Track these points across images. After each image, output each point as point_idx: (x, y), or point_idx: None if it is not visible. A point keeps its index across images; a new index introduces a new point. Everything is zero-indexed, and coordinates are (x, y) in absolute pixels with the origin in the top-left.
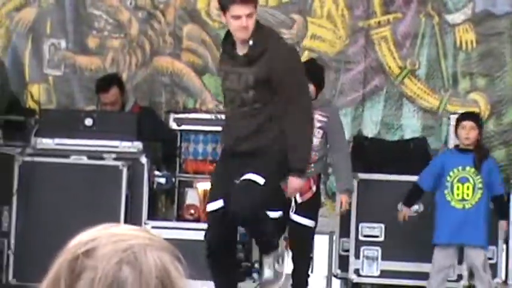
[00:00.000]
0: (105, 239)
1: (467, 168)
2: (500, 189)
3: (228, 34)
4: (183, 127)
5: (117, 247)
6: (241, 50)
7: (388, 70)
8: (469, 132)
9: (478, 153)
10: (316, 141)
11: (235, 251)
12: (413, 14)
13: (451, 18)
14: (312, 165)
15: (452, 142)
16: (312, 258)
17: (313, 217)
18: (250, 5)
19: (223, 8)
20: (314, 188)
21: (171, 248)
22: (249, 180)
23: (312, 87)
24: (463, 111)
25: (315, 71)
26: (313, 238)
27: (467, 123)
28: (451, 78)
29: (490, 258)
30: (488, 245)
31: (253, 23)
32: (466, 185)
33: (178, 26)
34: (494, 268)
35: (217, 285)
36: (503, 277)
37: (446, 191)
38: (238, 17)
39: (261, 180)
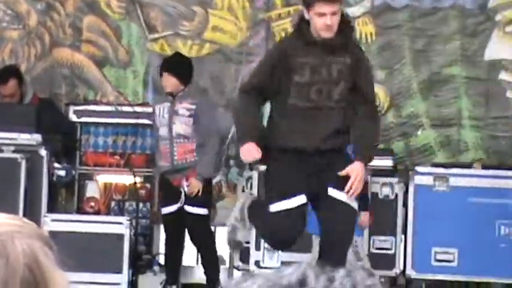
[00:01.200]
0: None
1: None
2: None
3: (299, 31)
4: (83, 119)
5: None
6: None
7: None
8: None
9: None
10: (188, 129)
11: None
12: None
13: (350, 11)
14: (193, 154)
15: None
16: (211, 244)
17: (205, 205)
18: (336, 3)
19: (307, 4)
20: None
21: (42, 235)
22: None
23: (174, 80)
24: None
25: (180, 63)
26: (209, 225)
27: None
28: None
29: (388, 249)
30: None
31: (338, 21)
32: None
33: (78, 17)
34: (392, 259)
35: None
36: (402, 267)
37: None
38: (323, 15)
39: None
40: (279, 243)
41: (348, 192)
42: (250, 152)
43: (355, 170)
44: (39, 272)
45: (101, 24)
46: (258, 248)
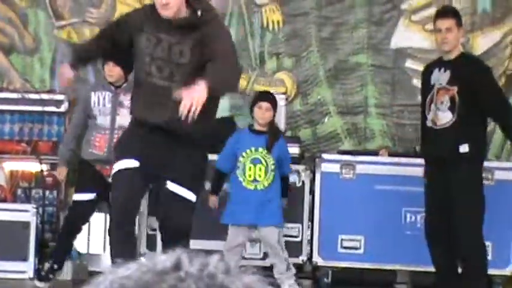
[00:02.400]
0: None
1: (260, 149)
2: (288, 168)
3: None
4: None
5: None
6: None
7: None
8: (264, 112)
9: (271, 134)
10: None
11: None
12: None
13: None
14: None
15: None
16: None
17: None
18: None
19: None
20: None
21: None
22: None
23: (118, 70)
24: (260, 91)
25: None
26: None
27: (264, 104)
28: (258, 58)
29: (294, 236)
30: (282, 222)
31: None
32: (258, 166)
33: None
34: (299, 246)
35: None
36: (308, 255)
37: (238, 172)
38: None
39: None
40: (118, 204)
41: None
42: (63, 74)
43: (189, 92)
44: None
45: (8, 11)
46: None
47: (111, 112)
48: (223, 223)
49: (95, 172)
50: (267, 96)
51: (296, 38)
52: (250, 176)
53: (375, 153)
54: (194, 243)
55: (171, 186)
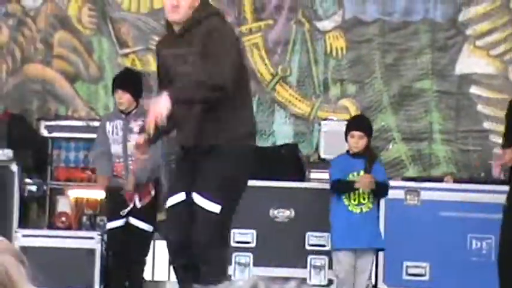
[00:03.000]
0: None
1: (361, 172)
2: (382, 177)
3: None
4: (54, 134)
5: None
6: None
7: (260, 77)
8: (358, 141)
9: (369, 158)
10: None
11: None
12: (284, 21)
13: (321, 25)
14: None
15: (323, 148)
16: (145, 262)
17: (152, 222)
18: None
19: None
20: (153, 193)
21: (14, 251)
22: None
23: (128, 97)
24: (354, 116)
25: (134, 79)
26: (150, 242)
27: (356, 133)
28: (322, 85)
29: None
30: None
31: (188, 2)
32: (361, 189)
33: (49, 33)
34: None
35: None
36: (374, 281)
37: (343, 196)
38: None
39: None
40: (170, 243)
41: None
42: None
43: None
44: (11, 286)
45: (72, 39)
46: (229, 262)
47: (123, 140)
48: (334, 249)
49: (121, 198)
50: (358, 125)
51: (360, 65)
52: (355, 199)
53: (439, 179)
54: (260, 271)
55: (196, 197)
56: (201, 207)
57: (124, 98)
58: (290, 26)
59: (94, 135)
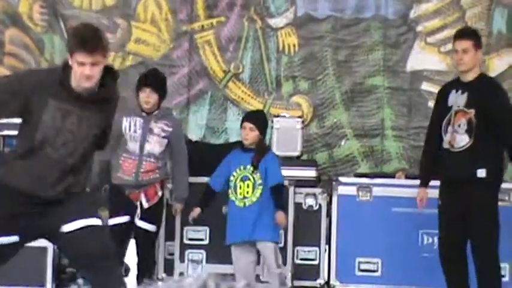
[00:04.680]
0: None
1: (248, 166)
2: (275, 179)
3: (60, 75)
4: (5, 132)
5: None
6: None
7: (213, 74)
8: (248, 133)
9: (257, 151)
10: (160, 149)
11: None
12: (236, 17)
13: (273, 22)
14: (157, 171)
15: (275, 144)
16: (155, 262)
17: (157, 222)
18: (96, 53)
19: (70, 52)
20: (160, 193)
21: None
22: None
23: (156, 97)
24: (248, 111)
25: (163, 81)
26: (155, 243)
27: (247, 124)
28: (274, 82)
29: (312, 260)
30: (277, 238)
31: (99, 72)
32: (246, 183)
33: (0, 30)
34: (316, 270)
35: None
36: (326, 278)
37: (230, 191)
38: (82, 64)
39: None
40: None
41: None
42: None
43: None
44: None
45: (24, 37)
46: (182, 260)
47: (141, 139)
48: (227, 245)
49: (125, 197)
50: (250, 117)
51: (312, 61)
52: (241, 193)
53: (391, 175)
54: (212, 268)
55: (67, 227)
56: (80, 227)
57: (152, 98)
58: (242, 23)
59: None
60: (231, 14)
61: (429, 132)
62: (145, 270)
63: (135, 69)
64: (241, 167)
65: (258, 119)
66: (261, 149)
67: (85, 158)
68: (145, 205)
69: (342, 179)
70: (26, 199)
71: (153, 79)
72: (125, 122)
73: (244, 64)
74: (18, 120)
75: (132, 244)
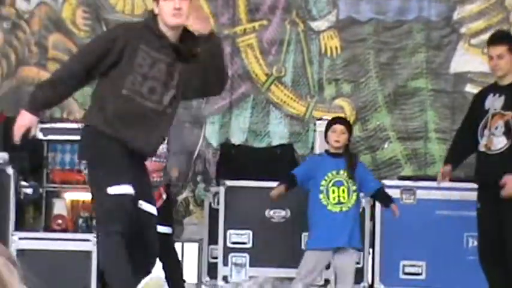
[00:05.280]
0: None
1: (341, 172)
2: (377, 183)
3: (148, 23)
4: (50, 137)
5: None
6: None
7: (255, 77)
8: (339, 135)
9: (349, 158)
10: (163, 149)
11: None
12: (278, 21)
13: (315, 25)
14: (162, 173)
15: (318, 148)
16: (180, 261)
17: (169, 224)
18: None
19: None
20: (164, 196)
21: (5, 252)
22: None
23: None
24: (333, 116)
25: None
26: (173, 244)
27: (338, 127)
28: (316, 85)
29: (357, 263)
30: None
31: (187, 7)
32: (341, 188)
33: (44, 36)
34: (360, 273)
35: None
36: (370, 281)
37: (321, 195)
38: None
39: None
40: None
41: None
42: (22, 125)
43: None
44: (2, 286)
45: (67, 42)
46: (225, 263)
47: None
48: (310, 249)
49: None
50: (340, 120)
51: (354, 64)
52: (334, 198)
53: (435, 178)
54: (256, 271)
55: (146, 206)
56: (151, 213)
57: None
58: (284, 26)
59: None
60: (273, 17)
61: (458, 134)
62: (173, 272)
63: None
64: (334, 172)
65: (347, 122)
66: (353, 156)
67: (172, 108)
68: None
69: (385, 182)
70: (131, 152)
71: None
72: None
73: (286, 67)
74: (63, 125)
75: None
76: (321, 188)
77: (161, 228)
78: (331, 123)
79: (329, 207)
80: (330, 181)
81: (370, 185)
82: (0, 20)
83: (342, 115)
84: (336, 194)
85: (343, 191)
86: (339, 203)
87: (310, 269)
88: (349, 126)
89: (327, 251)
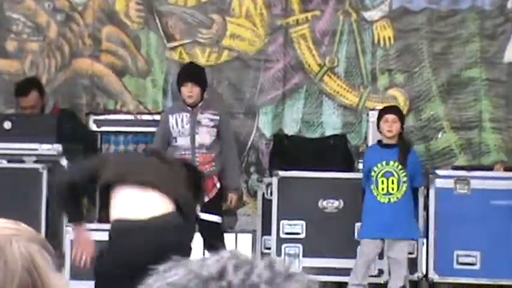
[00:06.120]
0: None
1: (391, 162)
2: (422, 182)
3: None
4: (103, 128)
5: None
6: None
7: (308, 68)
8: (391, 125)
9: (402, 147)
10: (211, 139)
11: None
12: (331, 11)
13: (368, 15)
14: (213, 163)
15: (371, 138)
16: None
17: (220, 213)
18: None
19: None
20: (218, 185)
21: (39, 239)
22: None
23: (199, 90)
24: (385, 105)
25: (202, 73)
26: (223, 233)
27: (390, 116)
28: (369, 75)
29: (410, 253)
30: (419, 236)
31: None
32: (390, 179)
33: (97, 28)
34: (414, 263)
35: None
36: (424, 271)
37: (372, 186)
38: None
39: None
40: None
41: None
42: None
43: None
44: (37, 274)
45: (120, 34)
46: (279, 253)
47: (190, 132)
48: (360, 238)
49: None
50: (392, 109)
51: (408, 54)
52: (383, 189)
53: (489, 168)
54: (309, 262)
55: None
56: None
57: (194, 92)
58: (337, 16)
59: (142, 129)
60: (325, 8)
61: None
62: None
63: (231, 64)
64: (383, 163)
65: (399, 111)
66: (406, 145)
67: None
68: (205, 198)
69: (439, 172)
70: None
71: (193, 73)
72: (172, 120)
73: (339, 57)
74: (116, 117)
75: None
76: (372, 179)
77: (211, 217)
78: (382, 113)
79: (378, 198)
80: (379, 172)
81: (417, 179)
82: (54, 13)
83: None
84: (384, 184)
85: (393, 181)
86: (388, 193)
87: (366, 259)
88: (401, 115)
89: (376, 241)
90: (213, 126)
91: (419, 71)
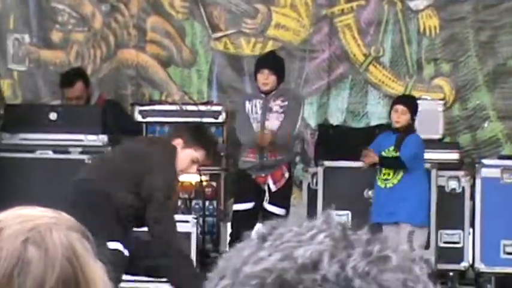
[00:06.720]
0: (11, 220)
1: (391, 148)
2: (404, 153)
3: None
4: (148, 119)
5: (23, 227)
6: None
7: (353, 58)
8: (400, 116)
9: (403, 133)
10: (279, 124)
11: None
12: (376, 1)
13: (413, 4)
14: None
15: (417, 128)
16: None
17: (285, 205)
18: None
19: None
20: (287, 175)
21: (79, 227)
22: None
23: (275, 78)
24: (399, 95)
25: (281, 62)
26: None
27: (399, 107)
28: (415, 64)
29: (456, 243)
30: (422, 220)
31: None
32: None
33: (142, 18)
34: (461, 253)
35: None
36: (470, 261)
37: (378, 171)
38: None
39: None
40: None
41: None
42: None
43: None
44: (78, 262)
45: (165, 24)
46: None
47: (261, 118)
48: (371, 223)
49: (252, 181)
50: (402, 100)
51: (454, 43)
52: (384, 174)
53: None
54: None
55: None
56: None
57: (270, 79)
58: (382, 6)
59: (187, 119)
60: None
61: None
62: None
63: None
64: (386, 150)
65: (410, 102)
66: (407, 131)
67: None
68: (273, 188)
69: (485, 161)
70: None
71: (271, 60)
72: (248, 105)
73: (384, 47)
74: (161, 107)
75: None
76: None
77: (275, 209)
78: (395, 101)
79: (379, 182)
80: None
81: (402, 152)
82: (99, 3)
83: (441, 95)
84: (384, 170)
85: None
86: (385, 179)
87: None
88: (411, 106)
89: (390, 225)
90: (281, 112)
91: (465, 60)
